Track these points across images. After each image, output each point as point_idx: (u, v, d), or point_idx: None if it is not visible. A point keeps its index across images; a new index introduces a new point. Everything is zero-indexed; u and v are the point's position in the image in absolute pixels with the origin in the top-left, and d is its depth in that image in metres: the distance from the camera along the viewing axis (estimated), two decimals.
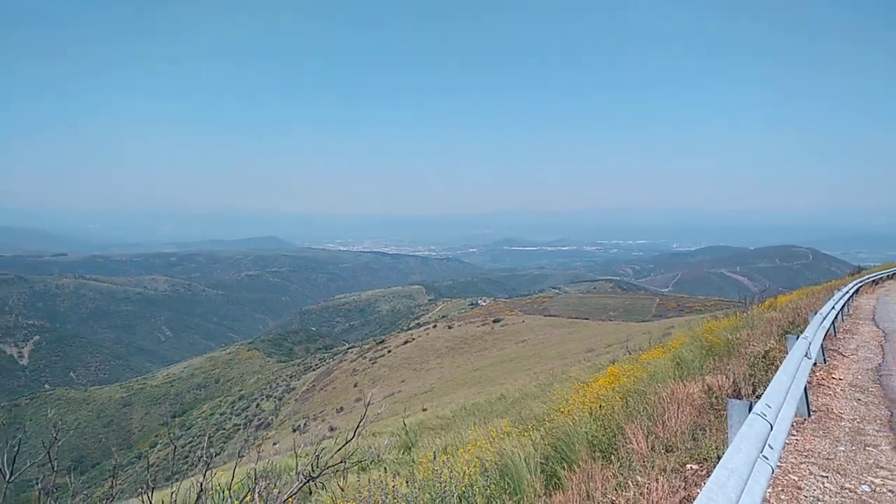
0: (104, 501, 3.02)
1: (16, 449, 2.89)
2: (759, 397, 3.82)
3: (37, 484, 2.89)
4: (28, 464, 2.95)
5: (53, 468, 2.96)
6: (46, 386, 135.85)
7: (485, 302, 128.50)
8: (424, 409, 24.03)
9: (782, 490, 4.40)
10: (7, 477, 2.75)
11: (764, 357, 7.87)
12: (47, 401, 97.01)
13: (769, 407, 3.47)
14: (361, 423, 3.87)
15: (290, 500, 3.38)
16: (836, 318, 11.18)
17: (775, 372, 5.00)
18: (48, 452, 2.96)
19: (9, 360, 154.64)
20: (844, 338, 11.00)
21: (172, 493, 3.26)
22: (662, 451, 5.12)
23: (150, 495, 3.12)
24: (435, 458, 5.43)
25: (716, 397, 6.38)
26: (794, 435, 5.59)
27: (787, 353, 6.01)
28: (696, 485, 4.34)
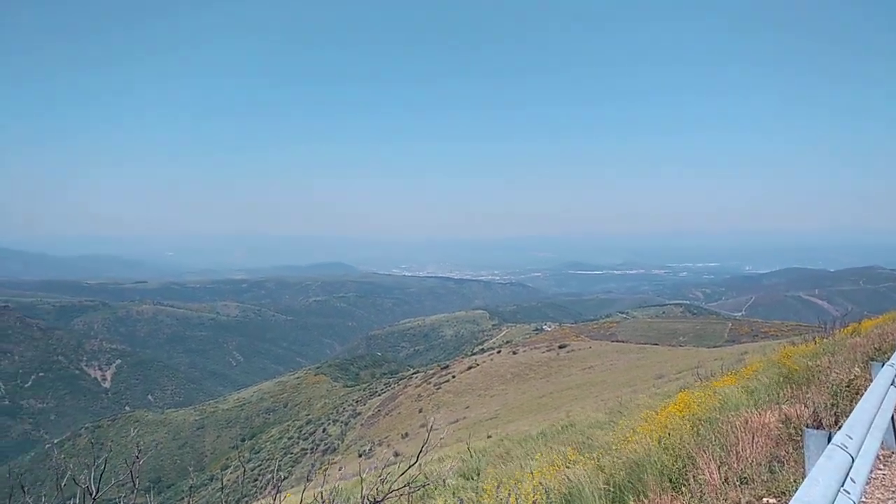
0: None
1: (102, 469, 3.03)
2: (840, 428, 3.63)
3: (119, 502, 3.02)
4: (111, 482, 3.09)
5: (135, 487, 3.09)
6: (127, 408, 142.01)
7: (550, 327, 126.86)
8: (489, 436, 23.80)
9: None
10: (93, 495, 2.89)
11: (847, 386, 7.47)
12: (127, 422, 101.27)
13: (850, 438, 3.29)
14: (424, 448, 3.89)
15: None
16: None
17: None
18: (131, 472, 3.10)
19: (93, 383, 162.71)
20: None
21: None
22: (736, 482, 4.92)
23: None
24: (500, 486, 5.39)
25: (794, 428, 6.09)
26: (880, 469, 5.27)
27: (871, 381, 5.69)
28: None
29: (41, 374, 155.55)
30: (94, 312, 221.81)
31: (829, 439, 3.25)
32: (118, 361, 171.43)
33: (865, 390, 5.50)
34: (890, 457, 5.58)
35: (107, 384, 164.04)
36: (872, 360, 8.06)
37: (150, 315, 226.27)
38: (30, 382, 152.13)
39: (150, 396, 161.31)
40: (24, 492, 2.89)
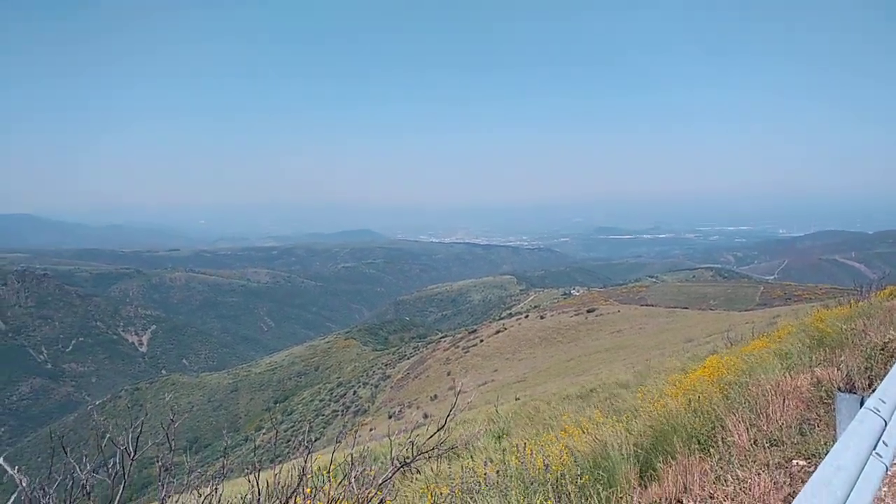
0: (217, 479, 3.22)
1: (139, 430, 3.12)
2: (873, 391, 3.57)
3: (157, 461, 3.10)
4: (149, 443, 3.18)
5: (171, 447, 3.18)
6: (163, 371, 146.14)
7: (578, 292, 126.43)
8: (517, 399, 23.99)
9: None
10: (132, 455, 2.97)
11: (882, 349, 7.33)
12: (164, 385, 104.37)
13: (883, 402, 3.23)
14: (453, 411, 3.92)
15: (384, 484, 3.48)
16: None
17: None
18: (167, 434, 3.18)
19: (130, 348, 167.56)
20: None
21: (276, 474, 3.42)
22: (766, 445, 4.89)
23: (256, 475, 3.29)
24: (525, 447, 5.43)
25: (826, 391, 6.02)
26: None
27: None
28: (802, 481, 4.11)
29: (81, 339, 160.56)
30: (130, 280, 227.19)
31: (862, 403, 3.20)
32: (153, 327, 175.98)
33: None
34: None
35: (143, 349, 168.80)
36: None
37: (183, 282, 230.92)
38: (70, 347, 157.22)
39: (184, 360, 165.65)
40: (65, 452, 2.99)
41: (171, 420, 3.41)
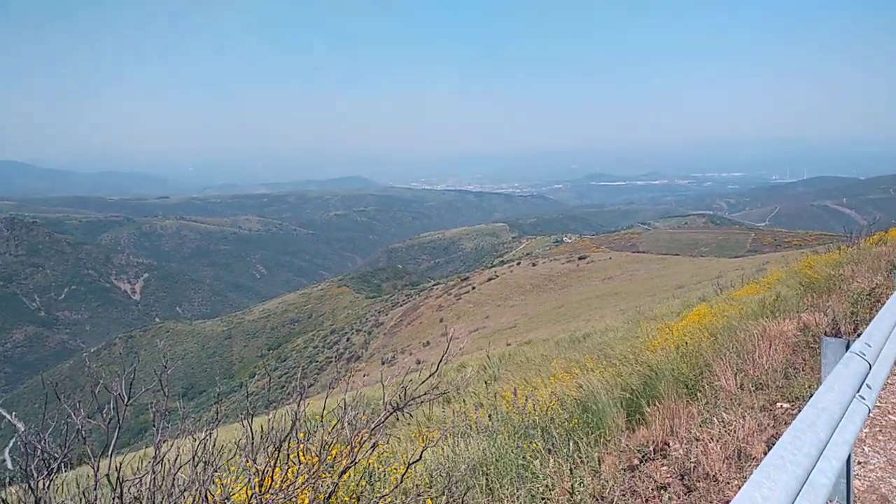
0: (212, 425, 3.26)
1: (133, 376, 3.13)
2: (859, 336, 3.62)
3: (151, 407, 3.13)
4: (143, 389, 3.20)
5: (165, 394, 3.20)
6: (157, 319, 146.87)
7: (570, 239, 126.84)
8: (508, 345, 24.34)
9: (880, 431, 4.22)
10: (126, 401, 2.99)
11: (869, 294, 7.43)
12: (158, 333, 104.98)
13: (869, 346, 3.28)
14: (445, 357, 3.95)
15: (377, 428, 3.53)
16: None
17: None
18: (160, 380, 3.20)
19: (123, 296, 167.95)
20: None
21: (270, 419, 3.46)
22: (752, 389, 4.99)
23: (250, 420, 3.33)
24: (516, 392, 5.52)
25: (812, 336, 6.12)
26: None
27: (895, 291, 5.64)
28: (785, 423, 4.22)
29: (73, 287, 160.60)
30: (120, 228, 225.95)
31: (848, 347, 3.25)
32: (146, 275, 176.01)
33: (888, 299, 5.46)
34: None
35: (136, 297, 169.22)
36: None
37: (174, 230, 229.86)
38: (63, 295, 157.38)
39: (178, 308, 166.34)
40: (59, 399, 3.01)
41: (165, 366, 3.43)
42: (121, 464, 2.79)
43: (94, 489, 2.74)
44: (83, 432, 2.89)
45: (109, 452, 2.86)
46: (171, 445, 3.08)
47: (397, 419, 6.36)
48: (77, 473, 3.54)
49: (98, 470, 2.80)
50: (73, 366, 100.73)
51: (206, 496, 2.78)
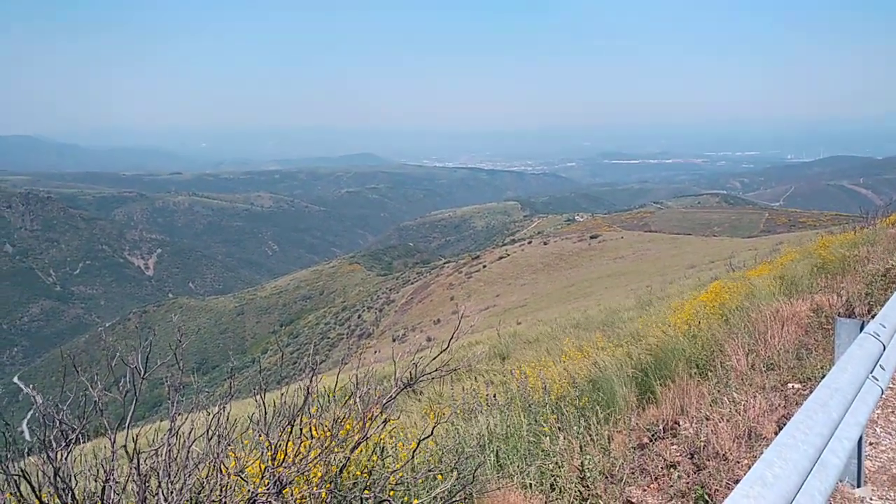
0: (225, 399, 3.30)
1: (148, 350, 3.17)
2: (873, 317, 3.60)
3: (166, 381, 3.17)
4: (158, 363, 3.24)
5: (180, 368, 3.23)
6: (170, 294, 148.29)
7: (582, 218, 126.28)
8: (519, 323, 24.40)
9: (892, 412, 4.21)
10: (142, 374, 3.03)
11: (884, 275, 7.37)
12: (171, 308, 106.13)
13: (883, 327, 3.26)
14: (456, 334, 3.97)
15: (388, 403, 3.56)
16: None
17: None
18: (175, 354, 3.23)
19: (137, 271, 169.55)
20: None
21: (282, 394, 3.50)
22: (763, 369, 4.99)
23: (262, 396, 3.37)
24: (528, 369, 5.55)
25: (825, 317, 6.09)
26: None
27: None
28: (796, 404, 4.21)
29: (88, 262, 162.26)
30: (133, 203, 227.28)
31: (862, 328, 3.23)
32: (159, 251, 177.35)
33: None
34: None
35: (150, 272, 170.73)
36: None
37: (187, 206, 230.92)
38: (78, 270, 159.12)
39: (190, 284, 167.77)
40: (77, 372, 3.05)
41: (179, 340, 3.47)
42: (137, 436, 2.84)
43: (112, 460, 2.79)
44: (100, 405, 2.94)
45: (126, 424, 2.91)
46: (186, 419, 3.13)
47: (408, 396, 6.42)
48: (94, 445, 3.61)
49: (115, 442, 2.85)
50: (88, 340, 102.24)
51: (220, 468, 2.82)
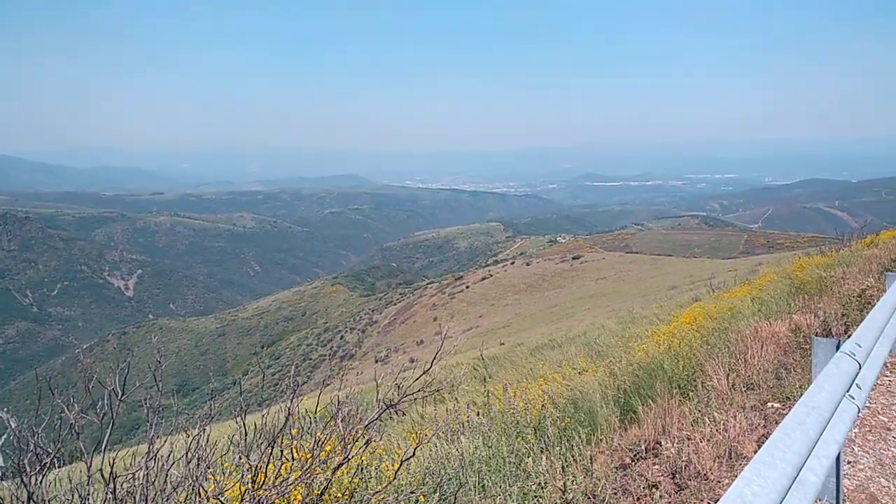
0: (205, 421, 3.26)
1: (126, 372, 3.13)
2: (849, 337, 3.66)
3: (145, 403, 3.13)
4: (137, 384, 3.20)
5: (159, 389, 3.20)
6: (150, 316, 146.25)
7: (564, 239, 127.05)
8: (502, 344, 24.38)
9: (870, 431, 4.25)
10: (120, 396, 2.99)
11: (859, 296, 7.49)
12: (151, 329, 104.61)
13: (859, 346, 3.31)
14: (439, 355, 3.97)
15: (370, 424, 3.54)
16: None
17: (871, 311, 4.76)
18: (154, 375, 3.20)
19: (116, 292, 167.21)
20: None
21: (263, 415, 3.47)
22: (743, 388, 5.03)
23: (244, 417, 3.33)
24: (506, 390, 5.54)
25: (803, 336, 6.16)
26: (887, 376, 5.36)
27: (885, 292, 5.69)
28: (776, 423, 4.24)
29: (66, 282, 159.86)
30: (114, 223, 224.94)
31: (838, 347, 3.28)
32: (139, 271, 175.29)
33: (877, 300, 5.51)
34: None
35: (130, 293, 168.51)
36: (888, 270, 8.03)
37: (168, 226, 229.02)
38: (55, 291, 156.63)
39: (171, 305, 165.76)
40: (52, 394, 3.01)
41: (159, 361, 3.43)
42: (114, 459, 2.79)
43: (88, 484, 2.75)
44: (76, 428, 2.89)
45: (103, 448, 2.86)
46: (165, 441, 3.08)
47: (390, 417, 6.38)
48: (70, 469, 3.54)
49: (91, 465, 2.80)
50: (65, 362, 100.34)
51: (199, 492, 2.78)
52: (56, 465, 2.85)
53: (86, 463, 2.80)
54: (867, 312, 5.15)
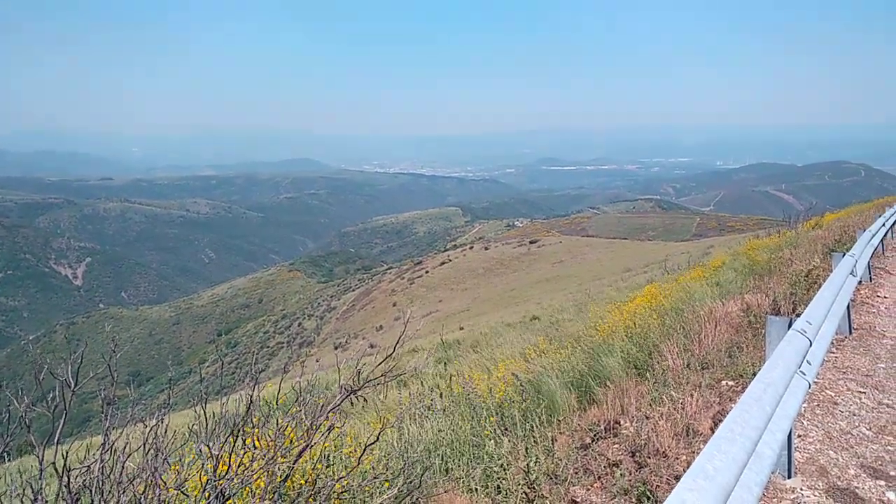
0: (163, 410, 3.18)
1: (79, 362, 3.03)
2: (798, 315, 3.78)
3: (99, 394, 3.04)
4: (91, 375, 3.10)
5: (114, 379, 3.11)
6: (101, 305, 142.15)
7: (521, 223, 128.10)
8: (461, 328, 24.52)
9: (818, 405, 4.41)
10: (73, 386, 2.90)
11: (806, 276, 7.73)
12: (101, 319, 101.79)
13: (809, 324, 3.43)
14: (400, 340, 3.95)
15: (333, 410, 3.51)
16: (885, 235, 10.83)
17: (817, 291, 4.93)
18: (108, 365, 3.11)
19: (64, 281, 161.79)
20: (893, 256, 10.71)
21: (223, 404, 3.40)
22: (698, 368, 5.16)
23: (204, 406, 3.27)
24: (471, 373, 5.57)
25: (754, 316, 6.34)
26: (833, 352, 5.56)
27: (831, 272, 5.89)
28: (730, 400, 4.38)
29: (9, 272, 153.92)
30: (59, 210, 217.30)
31: (790, 325, 3.38)
32: (88, 259, 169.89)
33: (823, 280, 5.71)
34: (842, 341, 5.87)
35: (78, 282, 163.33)
36: (833, 251, 8.32)
37: (119, 213, 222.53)
38: None
39: (123, 294, 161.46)
40: (0, 386, 2.89)
41: (113, 350, 3.33)
42: (67, 452, 2.70)
43: (40, 478, 2.66)
44: (26, 420, 2.79)
45: (55, 440, 2.77)
46: (121, 433, 3.00)
47: (352, 403, 6.34)
48: (20, 462, 3.43)
49: (43, 459, 2.71)
50: (10, 354, 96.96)
51: (158, 483, 2.72)
52: (5, 458, 2.75)
53: (37, 456, 2.71)
54: (814, 292, 5.33)
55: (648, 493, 3.27)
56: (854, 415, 4.21)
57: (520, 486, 3.51)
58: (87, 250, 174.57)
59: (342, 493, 3.22)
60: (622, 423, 4.32)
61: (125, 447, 2.89)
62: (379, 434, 3.51)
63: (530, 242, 75.89)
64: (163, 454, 2.87)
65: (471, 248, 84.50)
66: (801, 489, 3.24)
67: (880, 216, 11.42)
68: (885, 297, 7.61)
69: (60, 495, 2.62)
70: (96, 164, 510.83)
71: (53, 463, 2.66)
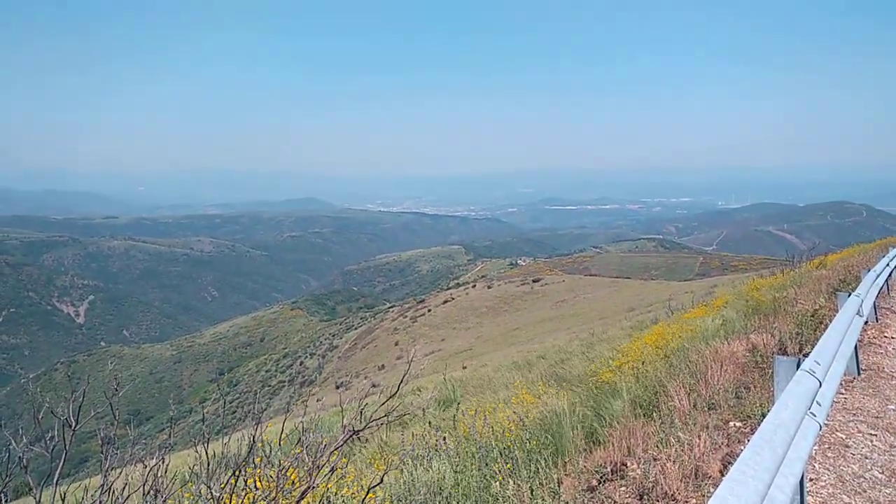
0: (164, 450, 3.14)
1: (81, 400, 3.00)
2: (806, 355, 3.75)
3: (98, 433, 3.00)
4: (92, 413, 3.07)
5: (116, 418, 3.08)
6: (102, 343, 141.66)
7: (524, 262, 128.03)
8: (464, 367, 24.30)
9: (829, 448, 4.34)
10: (73, 426, 2.87)
11: (812, 316, 7.68)
12: (103, 357, 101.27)
13: (818, 364, 3.39)
14: (404, 380, 3.93)
15: (335, 452, 3.46)
16: (890, 275, 10.79)
17: (823, 331, 4.89)
18: (110, 403, 3.08)
19: (66, 319, 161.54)
20: None
21: (224, 444, 3.36)
22: (705, 408, 5.09)
23: (206, 446, 3.23)
24: (476, 413, 5.50)
25: (760, 356, 6.28)
26: (842, 393, 5.49)
27: (836, 312, 5.85)
28: (739, 441, 4.31)
29: (12, 310, 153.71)
30: (64, 248, 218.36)
31: (798, 366, 3.35)
32: (91, 297, 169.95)
33: (829, 320, 5.67)
34: (851, 381, 5.80)
35: (80, 320, 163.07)
36: (838, 291, 8.28)
37: (123, 250, 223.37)
38: (0, 318, 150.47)
39: (125, 332, 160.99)
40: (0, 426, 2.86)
41: (116, 388, 3.30)
42: (65, 493, 2.66)
43: None
44: (24, 461, 2.75)
45: (55, 480, 2.73)
46: (120, 473, 2.96)
47: (354, 444, 6.26)
48: None
49: (41, 500, 2.66)
50: (10, 392, 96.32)
51: None
52: (3, 500, 2.71)
53: (35, 498, 2.66)
54: (821, 332, 5.29)
55: None
56: (866, 458, 4.13)
57: None
58: (90, 288, 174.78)
59: None
60: (629, 464, 4.25)
61: (124, 488, 2.84)
62: (383, 476, 3.45)
63: (533, 281, 75.75)
64: (162, 495, 2.82)
65: (474, 286, 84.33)
66: None
67: (884, 256, 11.39)
68: (892, 338, 7.54)
69: None
70: (102, 203, 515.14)
71: None
